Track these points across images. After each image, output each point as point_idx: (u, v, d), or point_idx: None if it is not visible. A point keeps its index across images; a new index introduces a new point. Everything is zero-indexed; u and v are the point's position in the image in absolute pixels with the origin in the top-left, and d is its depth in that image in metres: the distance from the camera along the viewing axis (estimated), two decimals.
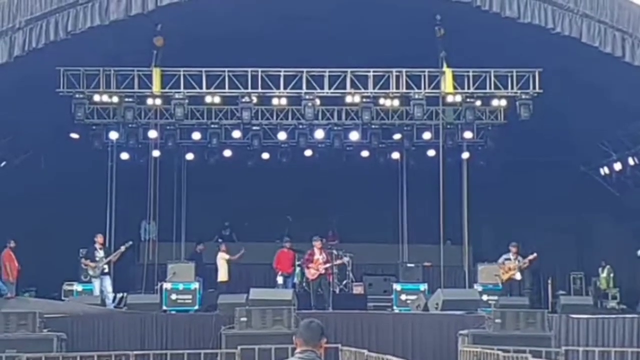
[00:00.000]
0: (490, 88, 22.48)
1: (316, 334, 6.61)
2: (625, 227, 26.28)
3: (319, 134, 25.98)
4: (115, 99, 23.12)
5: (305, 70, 22.14)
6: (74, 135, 25.82)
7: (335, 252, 24.32)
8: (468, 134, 25.52)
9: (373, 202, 28.34)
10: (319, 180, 28.00)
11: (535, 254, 23.29)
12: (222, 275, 24.45)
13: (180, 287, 22.86)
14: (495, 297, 22.22)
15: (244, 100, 22.63)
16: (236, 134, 26.14)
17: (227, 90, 22.37)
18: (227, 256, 24.56)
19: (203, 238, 26.88)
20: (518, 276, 23.17)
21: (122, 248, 22.44)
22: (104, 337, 18.28)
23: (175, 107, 22.57)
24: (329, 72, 22.25)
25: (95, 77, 22.13)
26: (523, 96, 22.30)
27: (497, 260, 23.41)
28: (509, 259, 23.19)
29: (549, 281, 26.16)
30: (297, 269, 24.65)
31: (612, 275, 26.92)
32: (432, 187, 23.15)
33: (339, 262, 24.10)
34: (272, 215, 28.34)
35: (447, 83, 22.03)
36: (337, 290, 24.61)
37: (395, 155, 27.42)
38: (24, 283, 24.26)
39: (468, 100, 23.05)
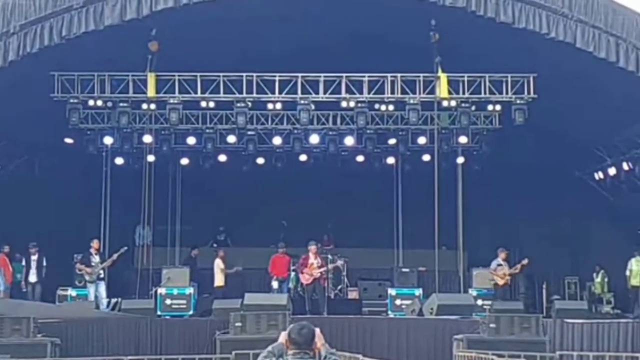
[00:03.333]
0: (485, 93, 22.49)
1: (308, 339, 6.63)
2: (620, 232, 26.29)
3: (314, 138, 25.93)
4: (109, 104, 23.12)
5: (300, 75, 22.12)
6: (69, 140, 25.76)
7: (330, 256, 24.34)
8: (463, 139, 25.57)
9: (368, 206, 28.33)
10: (314, 185, 27.98)
11: (526, 260, 23.29)
12: (219, 280, 24.38)
13: (175, 292, 22.83)
14: (490, 302, 22.25)
15: (238, 105, 22.59)
16: (231, 138, 26.08)
17: (222, 95, 22.33)
18: (222, 265, 24.41)
19: (198, 243, 26.75)
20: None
21: (114, 256, 22.31)
22: (98, 342, 18.26)
23: (170, 111, 22.52)
24: (324, 77, 22.23)
25: (89, 82, 22.11)
26: (518, 101, 22.30)
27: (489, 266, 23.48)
28: (500, 265, 23.20)
29: (544, 286, 26.18)
30: (292, 274, 24.63)
31: (606, 280, 26.88)
32: (427, 192, 23.12)
33: (333, 265, 24.11)
34: (267, 220, 28.31)
35: (442, 88, 22.00)
36: (332, 295, 24.59)
37: (391, 160, 27.42)
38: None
39: (463, 105, 23.04)
